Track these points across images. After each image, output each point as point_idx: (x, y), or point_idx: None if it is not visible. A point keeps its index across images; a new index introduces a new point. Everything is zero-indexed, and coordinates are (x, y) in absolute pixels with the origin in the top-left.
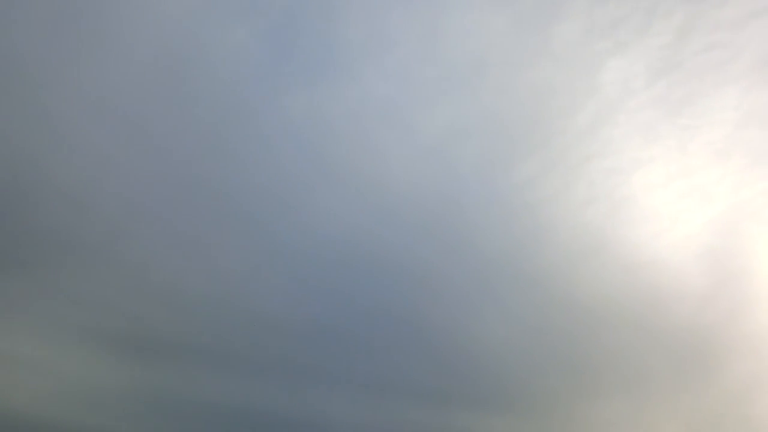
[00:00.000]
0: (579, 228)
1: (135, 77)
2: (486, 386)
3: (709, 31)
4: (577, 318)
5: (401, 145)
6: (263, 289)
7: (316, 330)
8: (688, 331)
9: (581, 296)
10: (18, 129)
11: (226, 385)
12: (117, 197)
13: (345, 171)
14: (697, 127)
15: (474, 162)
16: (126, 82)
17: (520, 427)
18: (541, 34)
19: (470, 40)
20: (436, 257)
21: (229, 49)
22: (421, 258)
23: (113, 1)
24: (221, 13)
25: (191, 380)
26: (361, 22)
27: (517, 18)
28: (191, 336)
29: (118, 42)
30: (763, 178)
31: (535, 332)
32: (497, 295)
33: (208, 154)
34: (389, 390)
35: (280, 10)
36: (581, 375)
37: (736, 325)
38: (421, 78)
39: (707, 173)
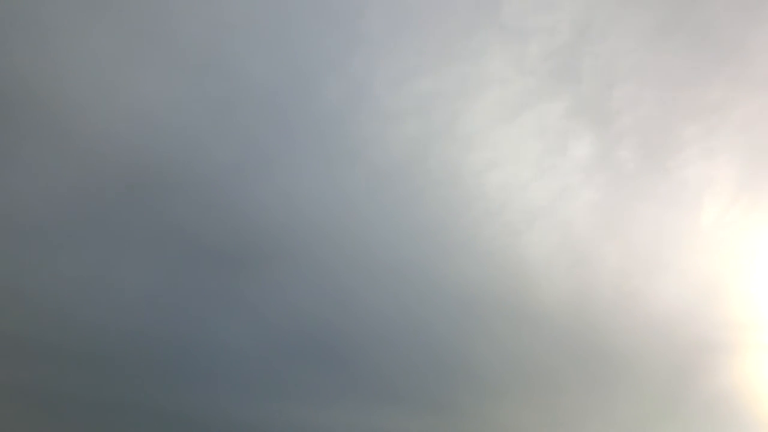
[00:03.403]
0: (415, 177)
1: None
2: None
3: None
4: (449, 307)
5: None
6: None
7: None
8: (584, 325)
9: (448, 278)
10: None
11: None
12: None
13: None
14: (526, 34)
15: (255, 77)
16: None
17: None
18: None
19: None
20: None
21: None
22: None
23: None
24: None
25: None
26: None
27: None
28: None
29: None
30: (628, 107)
31: (399, 323)
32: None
33: None
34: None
35: None
36: (473, 372)
37: (638, 315)
38: None
39: (554, 100)
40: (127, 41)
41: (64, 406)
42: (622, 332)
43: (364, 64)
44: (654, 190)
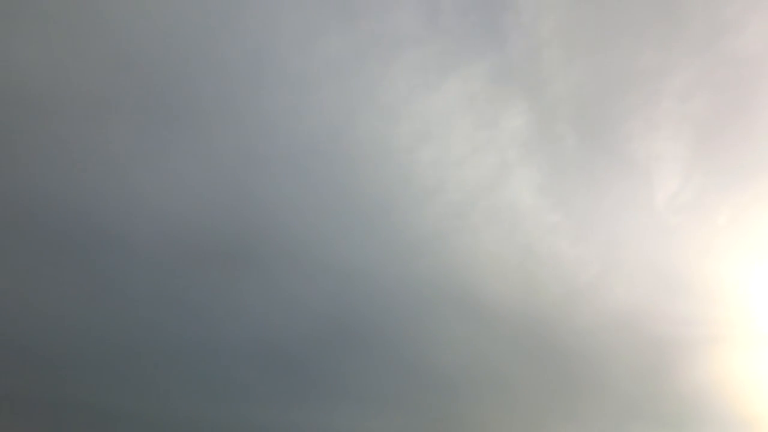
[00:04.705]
0: (342, 153)
1: None
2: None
3: None
4: (397, 304)
5: None
6: None
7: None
8: (538, 321)
9: (393, 271)
10: None
11: None
12: None
13: None
14: None
15: None
16: None
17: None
18: None
19: None
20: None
21: None
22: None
23: None
24: None
25: None
26: None
27: None
28: None
29: None
30: (558, 72)
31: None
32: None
33: None
34: None
35: None
36: (429, 371)
37: (595, 311)
38: None
39: (477, 63)
40: None
41: (53, 410)
42: (579, 331)
43: (261, 21)
44: (599, 168)
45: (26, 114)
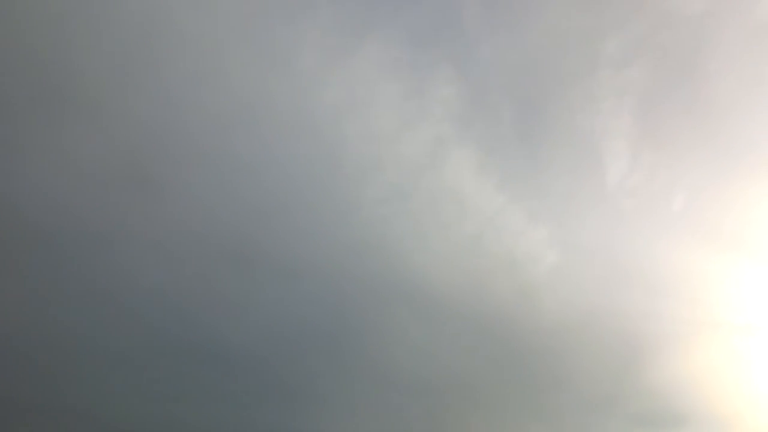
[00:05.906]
0: (265, 125)
1: None
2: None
3: None
4: (341, 303)
5: None
6: None
7: None
8: (491, 318)
9: (336, 267)
10: None
11: None
12: None
13: None
14: None
15: None
16: None
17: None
18: None
19: None
20: None
21: None
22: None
23: None
24: None
25: None
26: None
27: None
28: None
29: None
30: (483, 34)
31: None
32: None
33: None
34: None
35: None
36: (386, 372)
37: (551, 308)
38: None
39: (395, 21)
40: None
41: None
42: (537, 329)
43: None
44: (541, 145)
45: None
